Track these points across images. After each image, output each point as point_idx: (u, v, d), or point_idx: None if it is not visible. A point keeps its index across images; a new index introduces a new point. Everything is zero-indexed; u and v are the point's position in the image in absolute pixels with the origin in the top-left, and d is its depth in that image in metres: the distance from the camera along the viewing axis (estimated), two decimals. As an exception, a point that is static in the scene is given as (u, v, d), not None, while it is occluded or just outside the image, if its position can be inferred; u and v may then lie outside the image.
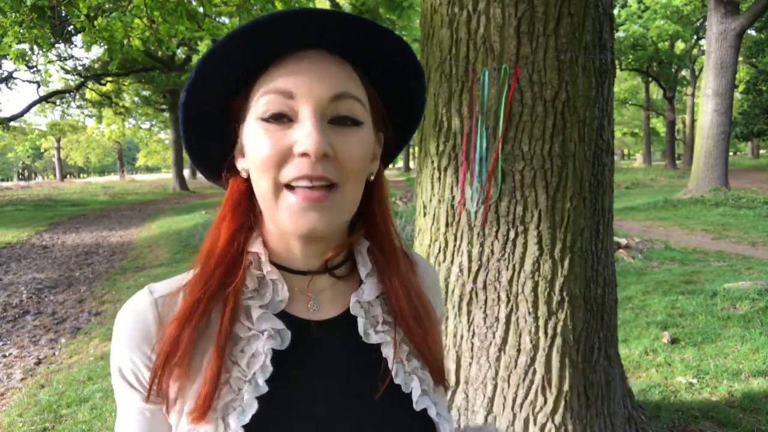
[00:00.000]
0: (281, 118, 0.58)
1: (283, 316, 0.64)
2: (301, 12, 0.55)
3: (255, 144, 0.59)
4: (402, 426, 0.66)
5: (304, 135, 0.56)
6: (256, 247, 0.64)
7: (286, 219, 0.59)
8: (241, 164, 0.65)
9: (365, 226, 0.69)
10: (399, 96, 0.68)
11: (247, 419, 0.59)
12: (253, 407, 0.59)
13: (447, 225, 1.99)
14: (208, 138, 0.65)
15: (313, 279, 0.67)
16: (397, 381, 0.66)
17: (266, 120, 0.58)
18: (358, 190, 0.62)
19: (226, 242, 0.64)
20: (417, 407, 0.66)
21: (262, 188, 0.60)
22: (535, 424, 1.89)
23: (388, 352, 0.66)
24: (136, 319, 0.62)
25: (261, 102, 0.58)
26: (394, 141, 0.71)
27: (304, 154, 0.56)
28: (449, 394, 1.99)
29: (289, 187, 0.58)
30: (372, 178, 0.68)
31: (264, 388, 0.60)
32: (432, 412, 0.67)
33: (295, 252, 0.65)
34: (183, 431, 0.60)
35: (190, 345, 0.60)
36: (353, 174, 0.60)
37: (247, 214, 0.65)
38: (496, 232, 1.89)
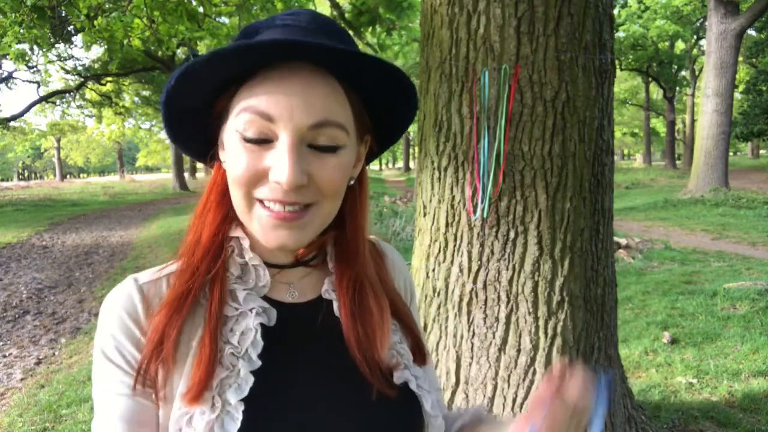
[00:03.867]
0: (260, 137, 0.57)
1: (265, 300, 0.67)
2: (298, 43, 0.54)
3: (232, 158, 0.59)
4: (383, 397, 0.67)
5: (280, 165, 0.56)
6: (237, 232, 0.67)
7: (257, 232, 0.61)
8: (222, 156, 0.66)
9: (336, 225, 0.69)
10: (386, 113, 0.67)
11: (244, 393, 0.60)
12: (250, 381, 0.61)
13: (447, 225, 1.99)
14: (193, 129, 0.66)
15: (290, 270, 0.70)
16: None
17: (246, 138, 0.58)
18: (335, 206, 0.63)
19: (212, 233, 0.65)
20: (397, 381, 0.68)
21: (235, 198, 0.61)
22: (535, 424, 1.89)
23: None
24: (122, 302, 0.63)
25: (241, 118, 0.58)
26: (378, 145, 0.72)
27: (278, 183, 0.57)
28: (449, 393, 1.99)
29: (261, 202, 0.59)
30: (352, 182, 0.68)
31: (257, 363, 0.62)
32: (413, 385, 0.69)
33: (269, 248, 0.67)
34: (176, 415, 0.60)
35: (178, 333, 0.61)
36: (330, 194, 0.61)
37: (229, 203, 0.66)
38: (496, 232, 1.89)
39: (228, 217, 0.66)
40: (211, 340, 0.60)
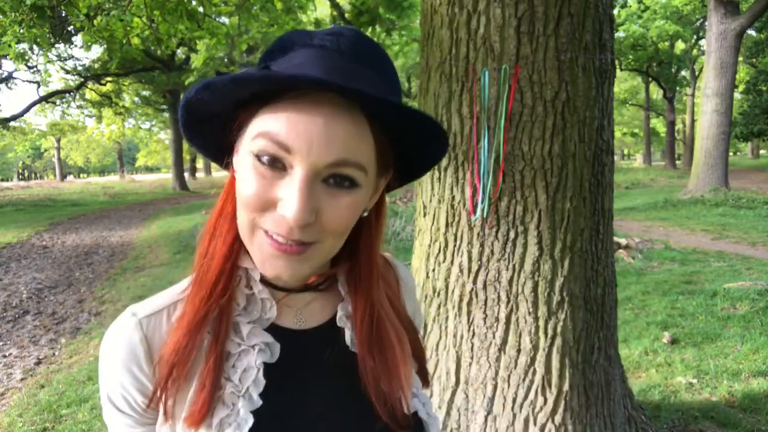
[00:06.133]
0: (275, 163, 0.55)
1: (271, 327, 0.65)
2: (323, 83, 0.51)
3: (243, 180, 0.57)
4: (390, 429, 0.66)
5: (290, 200, 0.53)
6: (246, 262, 0.64)
7: (257, 259, 0.58)
8: (236, 166, 0.64)
9: (350, 253, 0.67)
10: (413, 154, 0.64)
11: None
12: (249, 422, 0.60)
13: (447, 225, 1.99)
14: (211, 132, 0.64)
15: (297, 295, 0.68)
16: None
17: (260, 161, 0.55)
18: (338, 243, 0.61)
19: (224, 255, 0.63)
20: (408, 410, 0.67)
21: (240, 221, 0.59)
22: (535, 424, 1.89)
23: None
24: (122, 342, 0.62)
25: (258, 143, 0.55)
26: (398, 180, 0.69)
27: (285, 217, 0.54)
28: (449, 393, 1.99)
29: (265, 230, 0.57)
30: (366, 213, 0.65)
31: (258, 402, 0.61)
32: (423, 414, 0.69)
33: None
34: None
35: (194, 353, 0.60)
36: (335, 233, 0.58)
37: None
38: (496, 232, 1.89)
39: (238, 237, 0.63)
40: (215, 366, 0.60)
